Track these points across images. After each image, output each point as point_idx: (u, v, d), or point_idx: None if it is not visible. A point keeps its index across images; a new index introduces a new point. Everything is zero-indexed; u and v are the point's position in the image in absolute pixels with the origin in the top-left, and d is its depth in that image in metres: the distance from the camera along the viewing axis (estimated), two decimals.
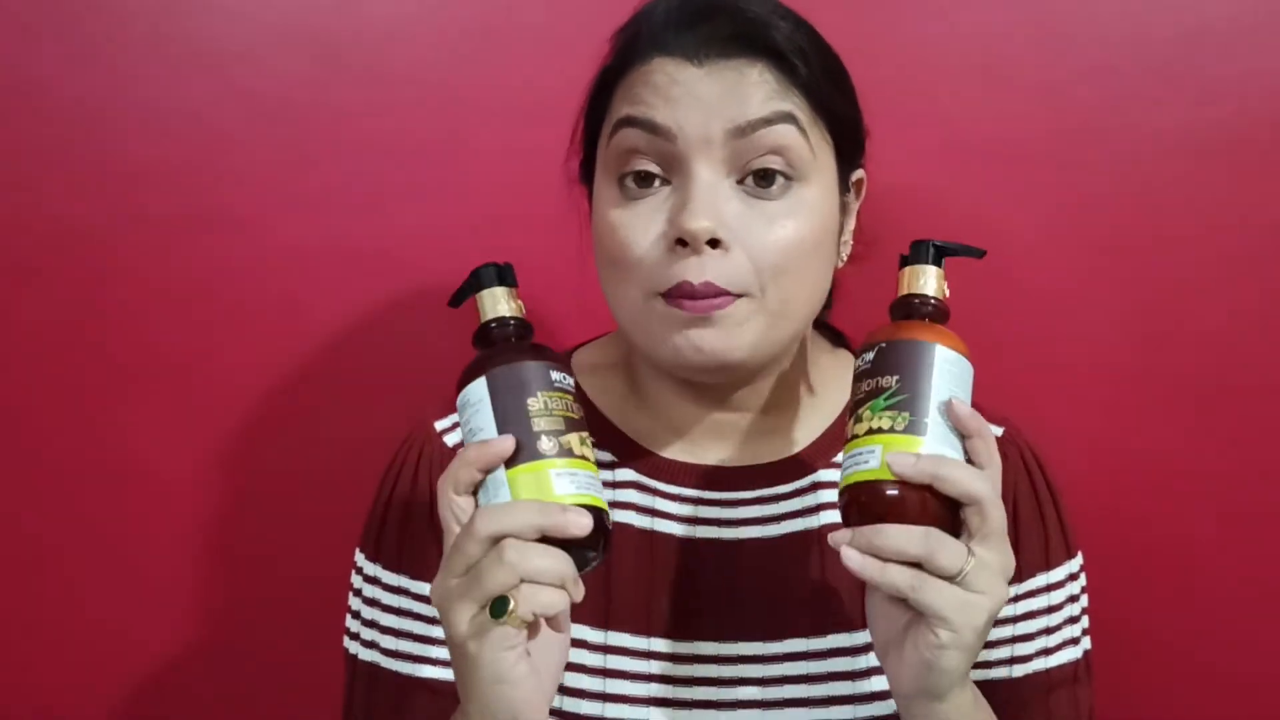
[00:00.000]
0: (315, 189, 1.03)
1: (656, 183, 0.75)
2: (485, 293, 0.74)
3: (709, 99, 0.73)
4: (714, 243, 0.72)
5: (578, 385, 0.74)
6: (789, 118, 0.74)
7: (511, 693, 0.65)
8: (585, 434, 0.71)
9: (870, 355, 0.71)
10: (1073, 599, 0.84)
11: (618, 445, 0.83)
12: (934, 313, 0.73)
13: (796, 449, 0.83)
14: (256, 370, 1.05)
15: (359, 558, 0.84)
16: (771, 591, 0.80)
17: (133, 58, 1.02)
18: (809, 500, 0.82)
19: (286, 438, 1.06)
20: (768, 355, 0.77)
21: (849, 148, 0.80)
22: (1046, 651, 0.83)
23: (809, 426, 0.84)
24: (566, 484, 0.68)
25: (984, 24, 1.03)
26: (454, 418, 0.83)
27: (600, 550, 0.69)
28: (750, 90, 0.74)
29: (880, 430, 0.69)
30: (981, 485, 0.67)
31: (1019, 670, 0.82)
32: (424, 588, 0.81)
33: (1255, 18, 1.01)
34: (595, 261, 0.80)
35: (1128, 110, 1.02)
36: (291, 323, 1.04)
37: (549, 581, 0.64)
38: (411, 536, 0.81)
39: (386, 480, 0.83)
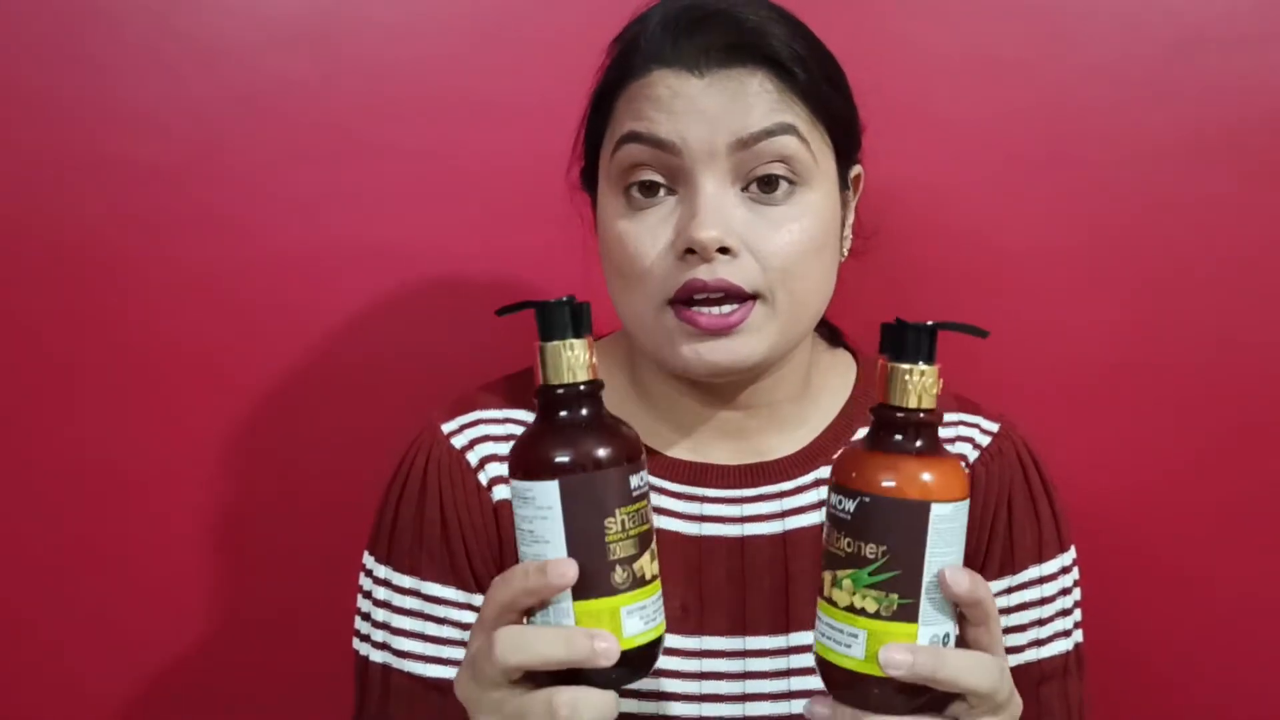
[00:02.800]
0: (315, 189, 1.03)
1: (662, 192, 0.76)
2: (559, 345, 0.62)
3: (711, 112, 0.74)
4: (723, 250, 0.74)
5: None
6: (790, 129, 0.75)
7: None
8: (654, 544, 0.64)
9: (850, 505, 0.61)
10: (1065, 592, 0.86)
11: None
12: (927, 441, 0.61)
13: (799, 446, 0.84)
14: (258, 371, 1.05)
15: (368, 560, 0.84)
16: (778, 586, 0.82)
17: (131, 58, 1.01)
18: (812, 496, 0.83)
19: (288, 439, 1.06)
20: (780, 357, 0.79)
21: (847, 146, 0.81)
22: (1038, 643, 0.84)
23: (810, 424, 0.85)
24: (636, 622, 0.62)
25: (984, 22, 1.03)
26: (460, 420, 0.84)
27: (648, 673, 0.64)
28: (751, 101, 0.74)
29: (864, 612, 0.60)
30: (984, 679, 0.61)
31: (1010, 661, 0.82)
32: (435, 589, 0.82)
33: (1254, 18, 1.02)
34: (603, 271, 0.80)
35: (1127, 109, 1.03)
36: (292, 323, 1.04)
37: None
38: (423, 539, 0.82)
39: (395, 484, 0.84)
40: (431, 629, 0.82)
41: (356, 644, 0.84)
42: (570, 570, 0.61)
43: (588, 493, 0.61)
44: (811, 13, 0.80)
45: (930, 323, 0.61)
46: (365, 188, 1.04)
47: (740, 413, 0.83)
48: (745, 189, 0.76)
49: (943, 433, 0.84)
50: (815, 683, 0.79)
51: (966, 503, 0.62)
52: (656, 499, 0.83)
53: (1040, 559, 0.85)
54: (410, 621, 0.82)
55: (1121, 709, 1.05)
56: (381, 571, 0.83)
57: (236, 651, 1.07)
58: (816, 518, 0.83)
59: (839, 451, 0.65)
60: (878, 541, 0.60)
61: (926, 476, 0.60)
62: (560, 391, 0.62)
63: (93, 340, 1.04)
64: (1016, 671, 0.83)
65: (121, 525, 1.06)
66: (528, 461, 0.62)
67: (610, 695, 0.63)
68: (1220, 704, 1.08)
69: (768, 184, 0.75)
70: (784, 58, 0.75)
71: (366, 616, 0.84)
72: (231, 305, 1.04)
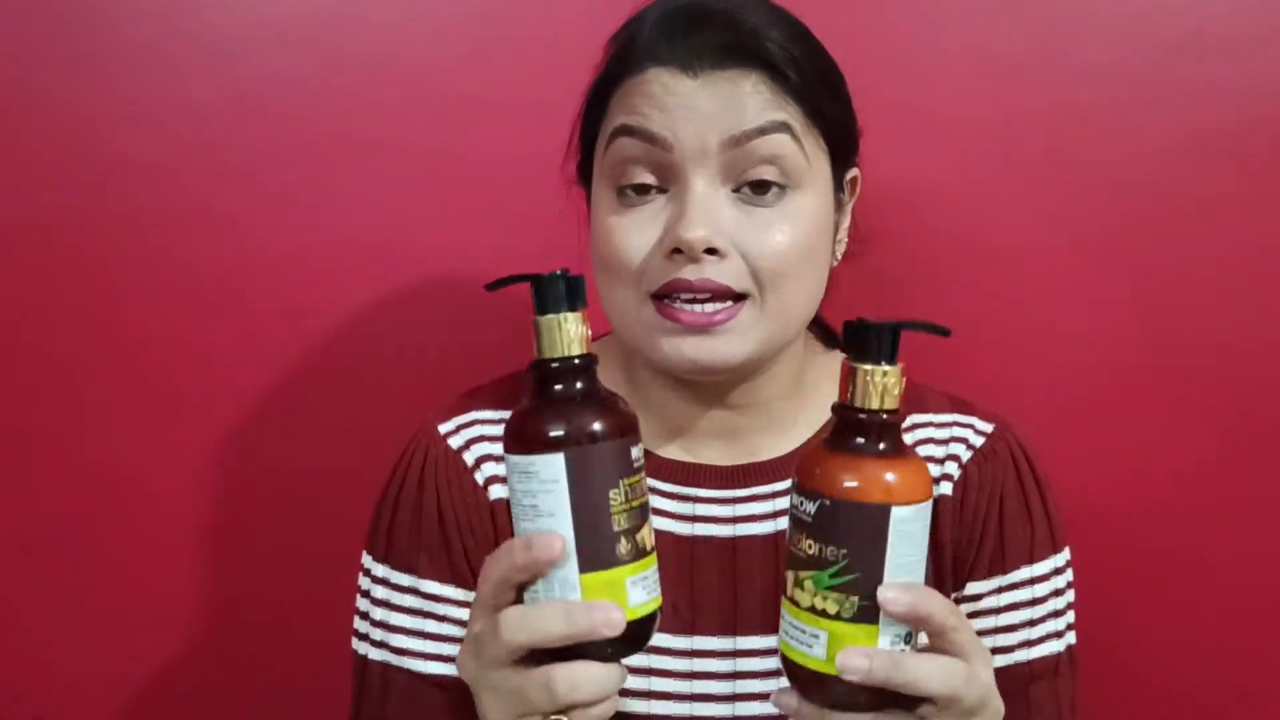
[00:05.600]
0: (315, 189, 1.04)
1: (653, 191, 0.76)
2: (554, 319, 0.62)
3: (704, 110, 0.74)
4: (711, 251, 0.74)
5: None
6: (784, 127, 0.75)
7: None
8: (650, 515, 0.65)
9: (811, 507, 0.61)
10: (1057, 593, 0.85)
11: None
12: (890, 442, 0.61)
13: (791, 446, 0.85)
14: (257, 370, 1.05)
15: (367, 559, 0.85)
16: (769, 587, 0.82)
17: (131, 57, 1.02)
18: None
19: (286, 438, 1.06)
20: (767, 359, 0.79)
21: (843, 149, 0.81)
22: (1028, 643, 0.84)
23: (803, 424, 0.85)
24: (640, 593, 0.62)
25: (986, 25, 1.03)
26: (457, 420, 0.85)
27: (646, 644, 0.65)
28: (745, 101, 0.75)
29: (825, 614, 0.61)
30: (946, 683, 0.61)
31: (1000, 660, 0.83)
32: (434, 587, 0.82)
33: (1254, 18, 1.02)
34: (591, 265, 0.81)
35: (1127, 109, 1.03)
36: (291, 322, 1.05)
37: (600, 699, 0.63)
38: (420, 538, 0.82)
39: (392, 484, 0.84)
40: (431, 626, 0.82)
41: (355, 643, 0.85)
42: (557, 544, 0.61)
43: (593, 465, 0.61)
44: (809, 13, 0.80)
45: (891, 322, 0.61)
46: (365, 187, 1.04)
47: (732, 411, 0.84)
48: (736, 190, 0.76)
49: (936, 434, 0.85)
50: None
51: (929, 503, 0.62)
52: (650, 499, 0.84)
53: (1032, 559, 0.85)
54: (408, 619, 0.82)
55: (1119, 711, 1.05)
56: (380, 570, 0.84)
57: (235, 651, 1.08)
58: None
59: (803, 450, 0.65)
60: (838, 544, 0.60)
61: (888, 477, 0.60)
62: (556, 365, 0.62)
63: (92, 339, 1.05)
64: (1006, 671, 0.83)
65: (118, 524, 1.06)
66: (528, 435, 0.62)
67: (613, 669, 0.63)
68: (1217, 706, 1.08)
69: (759, 186, 0.75)
70: (779, 60, 0.75)
71: (365, 615, 0.84)
72: (231, 305, 1.04)
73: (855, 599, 0.60)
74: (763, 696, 0.81)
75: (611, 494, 0.61)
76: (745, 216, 0.75)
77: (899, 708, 0.63)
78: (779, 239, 0.75)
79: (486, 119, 1.04)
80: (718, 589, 0.82)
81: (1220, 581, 1.06)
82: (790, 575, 0.63)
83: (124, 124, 1.02)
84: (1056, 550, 0.86)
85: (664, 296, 0.75)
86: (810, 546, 0.61)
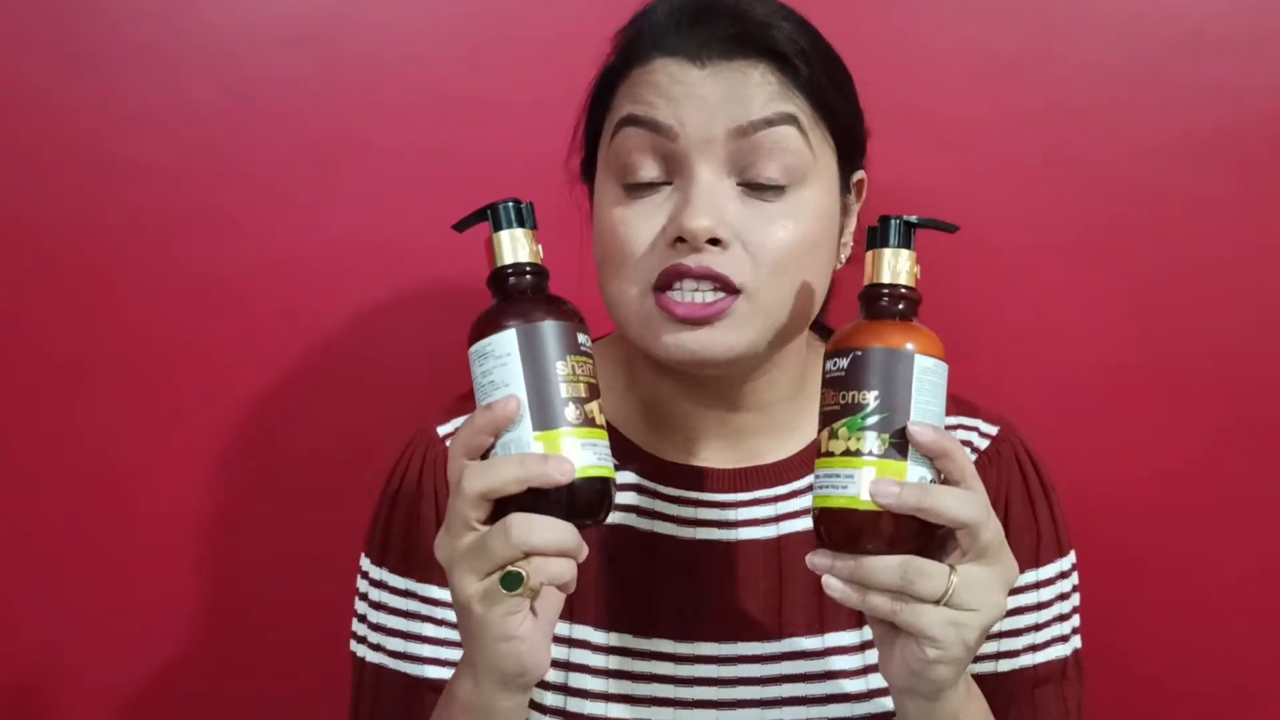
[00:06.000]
0: (315, 189, 1.04)
1: (658, 182, 0.76)
2: (505, 234, 0.71)
3: (711, 99, 0.74)
4: (714, 241, 0.73)
5: None
6: (790, 119, 0.75)
7: (519, 647, 0.66)
8: (600, 401, 0.70)
9: (844, 362, 0.68)
10: (1063, 597, 0.85)
11: (617, 448, 0.83)
12: (908, 308, 0.69)
13: (793, 450, 0.85)
14: (257, 371, 1.05)
15: (364, 562, 0.85)
16: (770, 592, 0.82)
17: (131, 58, 1.02)
18: (806, 501, 0.83)
19: (286, 439, 1.06)
20: (764, 353, 0.78)
21: (850, 149, 0.81)
22: (1034, 648, 0.84)
23: (805, 427, 0.85)
24: (589, 455, 0.67)
25: (985, 24, 1.03)
26: (455, 423, 0.84)
27: (603, 518, 0.69)
28: (752, 91, 0.74)
29: (859, 453, 0.66)
30: (968, 509, 0.65)
31: (1005, 665, 0.83)
32: (430, 590, 0.82)
33: (1253, 17, 1.02)
34: (594, 259, 0.81)
35: (1125, 109, 1.03)
36: (291, 323, 1.05)
37: (555, 553, 0.65)
38: (417, 540, 0.82)
39: (390, 485, 0.84)
40: (428, 630, 0.82)
41: (353, 646, 0.85)
42: (513, 403, 0.66)
43: (542, 337, 0.68)
44: (811, 11, 0.80)
45: (908, 217, 0.71)
46: (365, 188, 1.04)
47: (734, 414, 0.83)
48: (741, 182, 0.75)
49: None
50: (805, 689, 0.81)
51: (945, 368, 0.69)
52: (650, 502, 0.84)
53: (1037, 564, 0.84)
54: (405, 623, 0.82)
55: (1119, 711, 1.05)
56: (377, 574, 0.84)
57: (235, 651, 1.08)
58: (810, 523, 0.82)
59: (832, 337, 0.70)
60: (869, 388, 0.67)
61: (909, 337, 0.68)
62: (509, 270, 0.70)
63: (92, 340, 1.04)
64: (1012, 675, 0.83)
65: (119, 524, 1.06)
66: (485, 325, 0.69)
67: (567, 526, 0.65)
68: (1217, 707, 1.08)
69: (764, 178, 0.75)
70: (787, 51, 0.75)
71: (363, 618, 0.85)
72: (230, 305, 1.04)
73: (886, 436, 0.66)
74: (760, 704, 0.81)
75: (559, 364, 0.67)
76: (749, 210, 0.75)
77: (927, 554, 0.65)
78: (782, 234, 0.75)
79: (486, 119, 1.04)
80: (718, 594, 0.82)
81: (1220, 581, 1.06)
82: (824, 434, 0.68)
83: (124, 124, 1.02)
84: (1062, 554, 0.86)
85: (663, 289, 0.75)
86: (845, 396, 0.67)
